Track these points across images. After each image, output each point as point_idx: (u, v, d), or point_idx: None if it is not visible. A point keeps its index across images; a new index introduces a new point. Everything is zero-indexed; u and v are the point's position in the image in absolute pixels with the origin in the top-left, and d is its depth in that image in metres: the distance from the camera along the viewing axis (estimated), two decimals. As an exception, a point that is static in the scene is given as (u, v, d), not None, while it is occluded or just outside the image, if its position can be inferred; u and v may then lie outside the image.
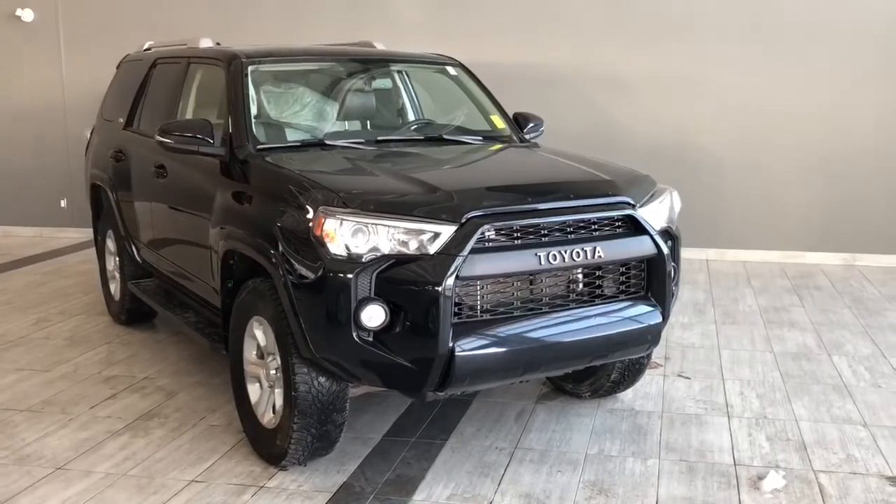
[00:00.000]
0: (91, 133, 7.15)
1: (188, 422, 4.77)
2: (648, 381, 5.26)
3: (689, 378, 5.40)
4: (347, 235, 3.68)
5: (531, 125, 5.53)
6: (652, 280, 4.17)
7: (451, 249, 3.64)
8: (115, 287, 6.68)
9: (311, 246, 3.75)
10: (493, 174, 4.49)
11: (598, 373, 4.83)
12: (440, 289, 3.58)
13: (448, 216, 3.71)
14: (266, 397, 4.26)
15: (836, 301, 7.29)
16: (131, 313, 6.48)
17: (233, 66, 4.92)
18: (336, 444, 4.14)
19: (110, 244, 6.68)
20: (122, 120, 6.40)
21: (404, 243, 3.69)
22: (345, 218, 3.69)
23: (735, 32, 8.62)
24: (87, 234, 9.96)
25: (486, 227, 3.71)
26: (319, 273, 3.69)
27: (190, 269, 5.22)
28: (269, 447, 4.17)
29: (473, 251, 3.65)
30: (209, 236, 4.67)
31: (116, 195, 6.21)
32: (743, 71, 8.64)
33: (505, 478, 4.10)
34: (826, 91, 8.54)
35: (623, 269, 4.11)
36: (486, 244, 3.73)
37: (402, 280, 3.65)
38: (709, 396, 5.11)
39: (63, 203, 10.37)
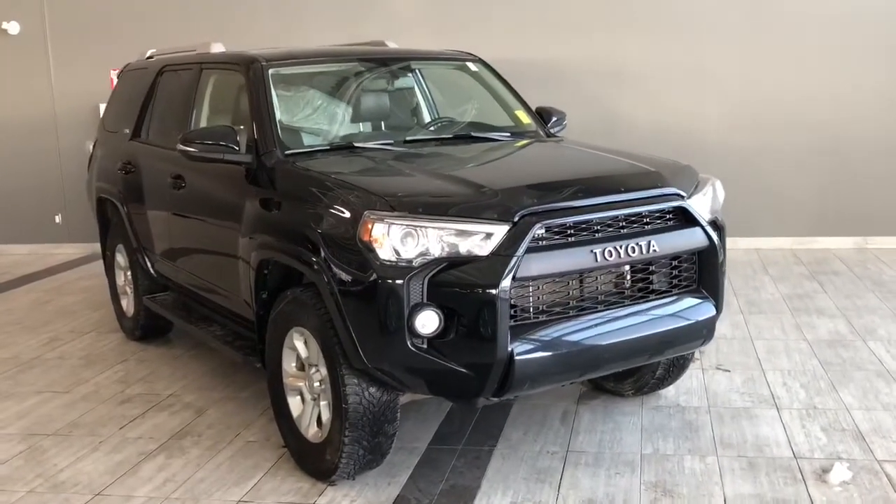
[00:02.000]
0: (94, 146, 6.96)
1: (223, 439, 4.61)
2: (688, 376, 5.14)
3: (728, 371, 5.30)
4: (396, 240, 3.53)
5: (554, 119, 5.42)
6: (704, 272, 4.07)
7: (506, 250, 3.51)
8: (126, 302, 6.50)
9: (358, 252, 3.60)
10: (538, 170, 4.35)
11: (643, 370, 4.71)
12: (497, 291, 3.45)
13: (500, 215, 3.58)
14: (309, 410, 4.11)
15: (858, 285, 7.22)
16: (146, 329, 6.30)
17: (252, 71, 4.76)
18: (387, 456, 4.00)
19: (120, 259, 6.50)
20: (127, 131, 6.22)
21: (455, 245, 3.55)
22: (393, 222, 3.55)
23: (735, 21, 8.55)
24: (84, 249, 9.84)
25: (540, 225, 3.58)
26: (369, 280, 3.55)
27: (215, 280, 5.06)
28: (316, 462, 4.02)
29: (528, 251, 3.52)
30: (238, 246, 4.52)
31: (127, 208, 6.03)
32: (745, 59, 8.59)
33: (563, 483, 3.97)
34: (828, 74, 8.49)
35: (675, 263, 3.99)
36: (540, 243, 3.60)
37: (455, 283, 3.51)
38: (753, 389, 5.00)
39: (58, 218, 10.15)
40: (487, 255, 3.52)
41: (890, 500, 3.71)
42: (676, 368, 4.76)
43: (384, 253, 3.54)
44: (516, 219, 3.57)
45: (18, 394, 5.43)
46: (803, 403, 4.77)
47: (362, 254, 3.59)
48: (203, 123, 5.31)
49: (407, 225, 3.54)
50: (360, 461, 3.89)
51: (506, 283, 3.46)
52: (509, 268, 3.47)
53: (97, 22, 9.71)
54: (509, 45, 8.79)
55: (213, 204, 4.92)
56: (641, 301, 3.88)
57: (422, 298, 3.52)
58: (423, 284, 3.51)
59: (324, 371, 3.96)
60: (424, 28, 8.97)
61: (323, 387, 4.00)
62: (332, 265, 3.70)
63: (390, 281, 3.51)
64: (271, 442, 4.53)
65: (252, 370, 5.44)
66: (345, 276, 3.65)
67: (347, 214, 3.70)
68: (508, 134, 5.12)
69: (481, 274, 3.49)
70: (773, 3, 8.49)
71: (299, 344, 4.10)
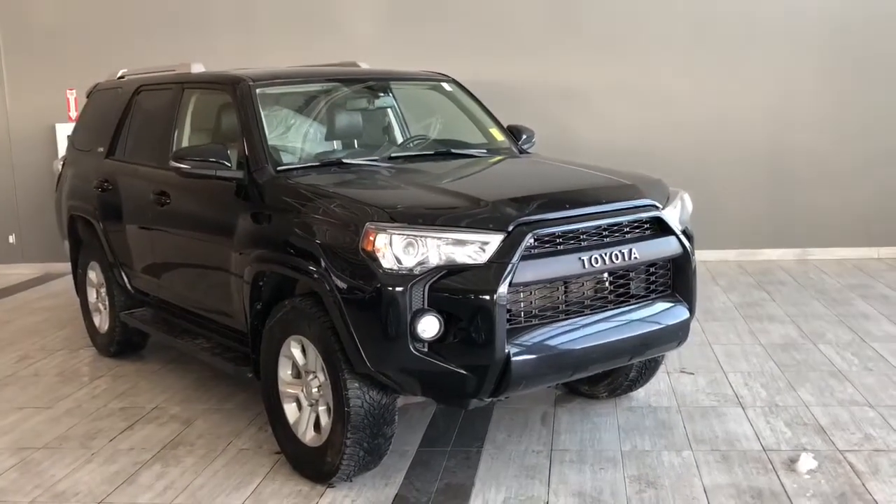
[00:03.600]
0: (62, 165, 7.01)
1: (216, 447, 4.74)
2: (656, 380, 5.39)
3: (692, 374, 5.60)
4: (398, 249, 3.74)
5: (525, 137, 5.68)
6: (677, 278, 4.36)
7: (501, 258, 3.74)
8: (99, 319, 6.55)
9: (361, 262, 3.79)
10: (526, 183, 4.60)
11: (618, 372, 4.97)
12: (495, 296, 3.67)
13: (495, 225, 3.81)
14: (306, 416, 4.27)
15: (803, 294, 7.63)
16: (121, 345, 6.36)
17: (240, 90, 4.92)
18: (384, 457, 4.17)
19: (92, 276, 6.56)
20: (102, 149, 6.30)
21: (453, 254, 3.76)
22: (395, 232, 3.75)
23: (679, 41, 8.99)
24: (39, 269, 9.82)
25: (532, 234, 3.82)
26: (373, 288, 3.74)
27: (201, 294, 5.20)
28: (316, 465, 4.18)
29: (521, 258, 3.76)
30: (229, 260, 4.66)
31: (104, 225, 6.11)
32: (689, 78, 9.03)
33: (552, 479, 4.20)
34: (768, 93, 8.99)
35: (651, 269, 4.27)
36: (531, 251, 3.84)
37: (455, 290, 3.72)
38: (717, 389, 5.31)
39: (11, 238, 10.08)
40: (485, 263, 3.74)
41: (854, 484, 4.02)
42: (648, 371, 5.04)
43: (386, 262, 3.74)
44: (510, 228, 3.80)
45: (0, 411, 5.47)
46: (765, 402, 5.08)
47: (365, 263, 3.78)
48: (185, 142, 5.44)
49: (408, 235, 3.75)
50: (359, 463, 4.06)
51: (503, 288, 3.69)
52: (506, 274, 3.70)
53: (51, 42, 9.70)
54: (462, 66, 9.00)
55: (200, 219, 5.05)
56: (623, 305, 4.15)
57: (423, 304, 3.72)
58: (423, 291, 3.72)
59: (322, 377, 4.13)
60: (383, 50, 9.18)
61: (321, 393, 4.17)
62: (334, 275, 3.88)
63: (393, 288, 3.71)
64: (264, 449, 4.67)
65: (232, 382, 5.61)
66: (348, 285, 3.83)
67: (348, 226, 3.89)
68: (485, 150, 5.37)
69: (480, 280, 3.71)
70: (716, 23, 8.94)
71: (296, 352, 4.26)
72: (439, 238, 3.76)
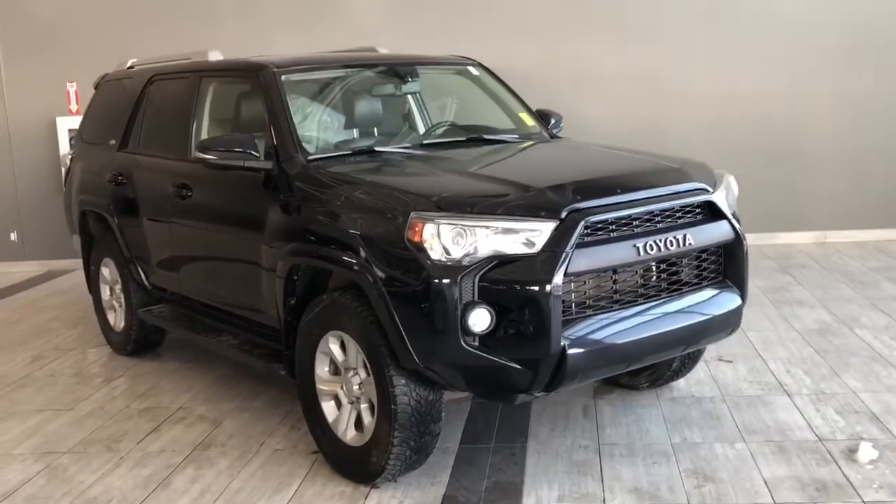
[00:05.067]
0: (71, 160, 6.81)
1: (249, 448, 4.57)
2: (695, 369, 5.25)
3: (730, 361, 5.46)
4: (447, 239, 3.57)
5: (553, 121, 5.54)
6: (729, 264, 4.20)
7: (555, 246, 3.58)
8: (114, 317, 6.37)
9: (407, 253, 3.63)
10: (571, 168, 4.42)
11: (660, 362, 4.81)
12: (549, 287, 3.51)
13: (547, 213, 3.64)
14: (346, 414, 4.11)
15: (828, 277, 7.50)
16: (138, 343, 6.18)
17: (264, 77, 4.74)
18: (430, 455, 4.02)
19: (106, 272, 6.37)
20: (114, 142, 6.11)
21: (504, 243, 3.60)
22: (443, 222, 3.58)
23: (695, 27, 8.85)
24: (42, 266, 9.64)
25: (585, 221, 3.65)
26: (421, 280, 3.58)
27: (228, 288, 5.03)
28: (359, 465, 4.02)
29: (575, 246, 3.60)
30: (259, 253, 4.49)
31: (118, 220, 5.92)
32: (705, 63, 8.91)
33: (605, 474, 4.05)
34: (785, 77, 8.88)
35: (703, 255, 4.12)
36: (584, 238, 3.67)
37: (507, 281, 3.56)
38: (759, 377, 5.17)
39: (13, 236, 9.86)
40: (538, 252, 3.57)
41: (919, 474, 3.89)
42: (691, 360, 4.89)
43: (434, 253, 3.57)
44: (563, 215, 3.64)
45: (19, 413, 5.29)
46: (811, 389, 4.94)
47: (411, 254, 3.62)
48: (205, 132, 5.26)
49: (456, 224, 3.58)
50: (406, 461, 3.90)
51: (558, 278, 3.52)
52: (560, 263, 3.54)
53: (50, 36, 9.46)
54: (473, 52, 8.85)
55: (225, 212, 4.88)
56: (675, 293, 3.99)
57: (473, 296, 3.56)
58: (474, 283, 3.56)
59: (364, 374, 3.97)
60: (390, 36, 8.98)
61: (363, 390, 4.01)
62: (378, 267, 3.71)
63: (442, 280, 3.55)
64: (300, 449, 4.51)
65: (256, 379, 5.45)
66: (394, 278, 3.67)
67: (393, 216, 3.72)
68: (516, 135, 5.21)
69: (533, 271, 3.54)
70: (728, 6, 8.78)
71: (335, 348, 4.10)
72: (488, 227, 3.60)
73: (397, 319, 3.65)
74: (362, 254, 3.79)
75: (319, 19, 9.10)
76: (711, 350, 5.64)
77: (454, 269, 3.55)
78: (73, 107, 9.46)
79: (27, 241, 9.83)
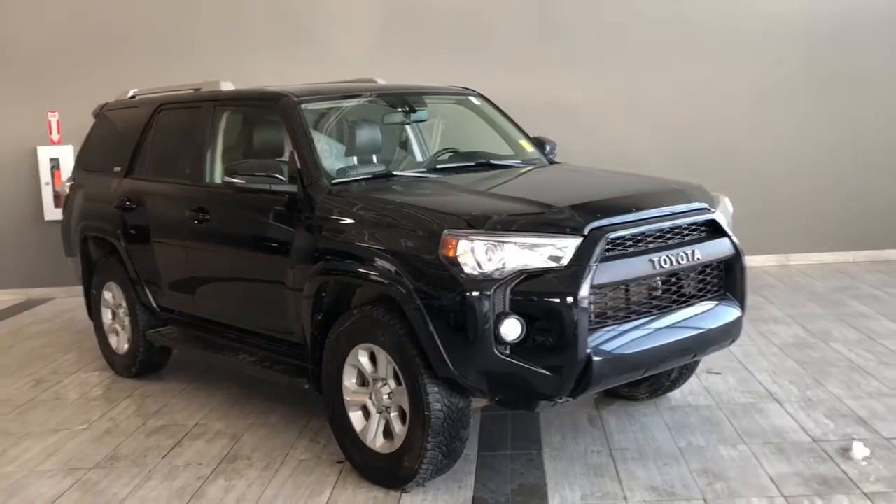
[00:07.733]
0: (70, 188, 6.92)
1: (275, 459, 4.75)
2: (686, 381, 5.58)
3: (719, 374, 5.78)
4: (481, 255, 3.84)
5: (548, 147, 5.85)
6: (729, 278, 4.53)
7: (580, 260, 3.87)
8: (116, 340, 6.49)
9: (442, 268, 3.88)
10: (587, 189, 4.73)
11: (661, 373, 5.12)
12: (577, 298, 3.79)
13: (571, 229, 3.94)
14: (375, 423, 4.33)
15: (796, 296, 7.92)
16: (143, 365, 6.31)
17: (284, 106, 4.98)
18: (458, 459, 4.25)
19: (108, 296, 6.49)
20: (118, 169, 6.27)
21: (532, 258, 3.88)
22: (476, 238, 3.85)
23: (664, 56, 9.27)
24: (21, 295, 9.67)
25: (607, 237, 3.95)
26: (457, 293, 3.83)
27: (246, 308, 5.21)
28: (390, 471, 4.24)
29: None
30: (284, 274, 4.70)
31: (126, 244, 6.07)
32: (673, 92, 9.33)
33: (621, 475, 4.32)
34: (749, 105, 9.35)
35: (706, 270, 4.44)
36: (605, 253, 3.97)
37: (537, 293, 3.83)
38: (749, 387, 5.50)
39: (-11, 265, 9.87)
40: (565, 266, 3.86)
41: (910, 469, 4.24)
42: (688, 371, 5.21)
43: (468, 267, 3.84)
44: (586, 232, 3.93)
45: (35, 433, 5.39)
46: (798, 397, 5.29)
47: (446, 269, 3.87)
48: (220, 158, 5.47)
49: (489, 241, 3.86)
50: (438, 466, 4.13)
51: (585, 290, 3.81)
52: (587, 276, 3.82)
53: (31, 65, 9.56)
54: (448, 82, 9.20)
55: (246, 235, 5.08)
56: (683, 305, 4.30)
57: (504, 308, 3.83)
58: (505, 294, 3.83)
59: (393, 384, 4.20)
60: (364, 66, 9.24)
61: (392, 399, 4.23)
62: (413, 283, 3.96)
63: (477, 293, 3.81)
64: (324, 459, 4.70)
65: (267, 396, 5.64)
66: (430, 292, 3.92)
67: (428, 234, 3.97)
68: (519, 161, 5.51)
69: (562, 283, 3.82)
70: (695, 33, 9.28)
71: (363, 360, 4.32)
72: (517, 243, 3.87)
73: (433, 330, 3.90)
74: (396, 269, 4.04)
75: (303, 52, 9.33)
76: (700, 364, 5.97)
77: (487, 282, 3.82)
78: (55, 136, 9.55)
79: (5, 269, 9.83)
